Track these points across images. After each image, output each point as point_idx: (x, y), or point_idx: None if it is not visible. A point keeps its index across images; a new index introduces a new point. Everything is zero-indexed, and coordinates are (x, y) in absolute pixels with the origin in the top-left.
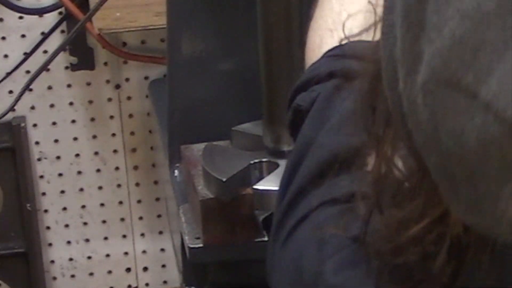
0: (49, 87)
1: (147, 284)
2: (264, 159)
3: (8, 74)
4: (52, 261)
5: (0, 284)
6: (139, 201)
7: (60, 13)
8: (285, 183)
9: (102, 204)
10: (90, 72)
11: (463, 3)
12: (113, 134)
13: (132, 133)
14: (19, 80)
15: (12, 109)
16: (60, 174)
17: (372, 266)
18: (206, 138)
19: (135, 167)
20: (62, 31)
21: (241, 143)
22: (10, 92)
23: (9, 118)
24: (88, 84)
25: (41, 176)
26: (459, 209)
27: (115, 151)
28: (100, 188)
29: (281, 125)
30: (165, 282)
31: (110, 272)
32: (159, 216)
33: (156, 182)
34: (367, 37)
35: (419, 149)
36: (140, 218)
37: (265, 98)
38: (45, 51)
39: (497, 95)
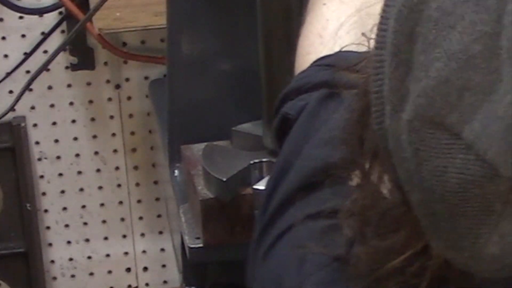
0: (49, 87)
1: (147, 284)
2: (264, 159)
3: (8, 74)
4: (52, 261)
5: (0, 284)
6: (139, 201)
7: (60, 13)
8: (270, 192)
9: (102, 204)
10: (90, 72)
11: (451, 44)
12: (113, 134)
13: (132, 133)
14: (19, 80)
15: (12, 109)
16: (60, 174)
17: (352, 286)
18: (206, 138)
19: (135, 167)
20: (62, 31)
21: (241, 143)
22: (10, 92)
23: (9, 118)
24: (88, 84)
25: (41, 176)
26: (439, 244)
27: (115, 151)
28: (100, 188)
29: None
30: (165, 282)
31: (110, 272)
32: (159, 216)
33: (156, 182)
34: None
35: (402, 184)
36: (140, 218)
37: (265, 98)
38: (45, 51)
39: (480, 136)
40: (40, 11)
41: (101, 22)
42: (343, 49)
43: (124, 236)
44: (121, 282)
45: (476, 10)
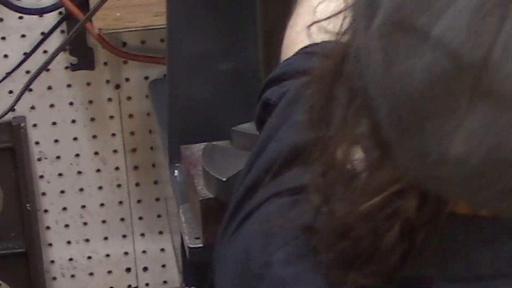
0: (49, 87)
1: (147, 284)
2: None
3: (8, 74)
4: (52, 261)
5: (0, 284)
6: (139, 201)
7: (60, 13)
8: (243, 175)
9: (102, 204)
10: (90, 72)
11: None
12: (113, 134)
13: (132, 133)
14: (19, 80)
15: (12, 109)
16: (60, 174)
17: (320, 258)
18: (206, 138)
19: (135, 167)
20: (62, 31)
21: (241, 143)
22: (10, 92)
23: (9, 118)
24: (88, 84)
25: (41, 176)
26: (406, 158)
27: (115, 151)
28: (100, 188)
29: None
30: (165, 282)
31: (110, 272)
32: (159, 216)
33: (156, 182)
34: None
35: (371, 101)
36: (140, 218)
37: None
38: (45, 51)
39: (448, 31)
40: (40, 11)
41: (101, 22)
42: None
43: (124, 236)
44: (121, 282)
45: None
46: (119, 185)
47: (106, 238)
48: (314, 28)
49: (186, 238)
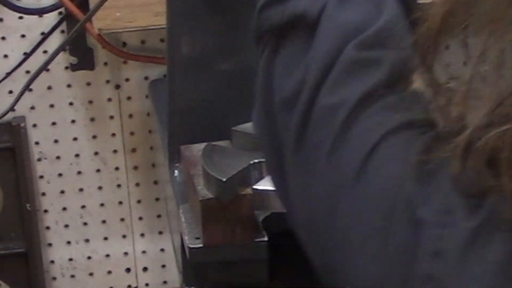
0: (49, 87)
1: (147, 284)
2: (264, 159)
3: (8, 74)
4: (52, 261)
5: (0, 284)
6: (139, 201)
7: (60, 13)
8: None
9: (102, 204)
10: (90, 72)
11: None
12: (113, 134)
13: (132, 133)
14: (19, 80)
15: (12, 109)
16: (60, 174)
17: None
18: (206, 138)
19: (135, 167)
20: (62, 31)
21: (241, 143)
22: (10, 92)
23: (9, 118)
24: (88, 84)
25: (41, 176)
26: None
27: (115, 151)
28: (100, 188)
29: None
30: (165, 282)
31: (110, 272)
32: (159, 216)
33: (156, 182)
34: None
35: None
36: (140, 218)
37: None
38: (45, 51)
39: None
40: (40, 11)
41: (101, 22)
42: None
43: (124, 236)
44: (121, 282)
45: None
46: (119, 185)
47: (106, 238)
48: None
49: (186, 238)
